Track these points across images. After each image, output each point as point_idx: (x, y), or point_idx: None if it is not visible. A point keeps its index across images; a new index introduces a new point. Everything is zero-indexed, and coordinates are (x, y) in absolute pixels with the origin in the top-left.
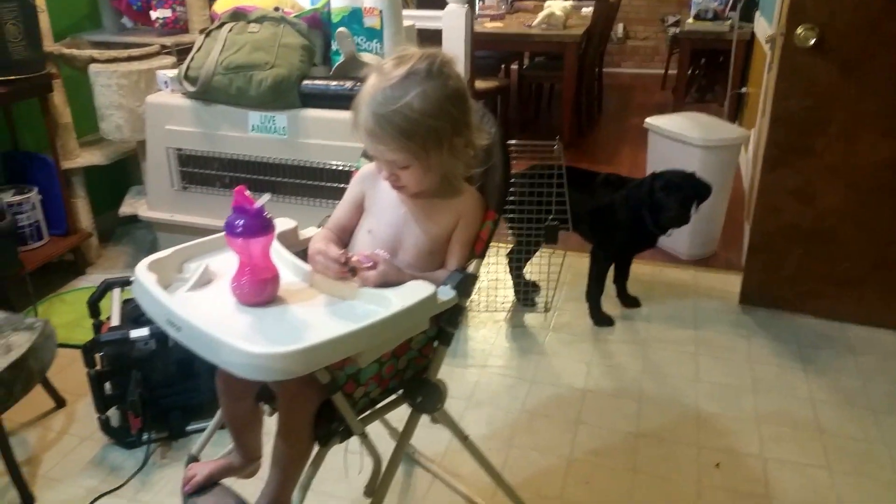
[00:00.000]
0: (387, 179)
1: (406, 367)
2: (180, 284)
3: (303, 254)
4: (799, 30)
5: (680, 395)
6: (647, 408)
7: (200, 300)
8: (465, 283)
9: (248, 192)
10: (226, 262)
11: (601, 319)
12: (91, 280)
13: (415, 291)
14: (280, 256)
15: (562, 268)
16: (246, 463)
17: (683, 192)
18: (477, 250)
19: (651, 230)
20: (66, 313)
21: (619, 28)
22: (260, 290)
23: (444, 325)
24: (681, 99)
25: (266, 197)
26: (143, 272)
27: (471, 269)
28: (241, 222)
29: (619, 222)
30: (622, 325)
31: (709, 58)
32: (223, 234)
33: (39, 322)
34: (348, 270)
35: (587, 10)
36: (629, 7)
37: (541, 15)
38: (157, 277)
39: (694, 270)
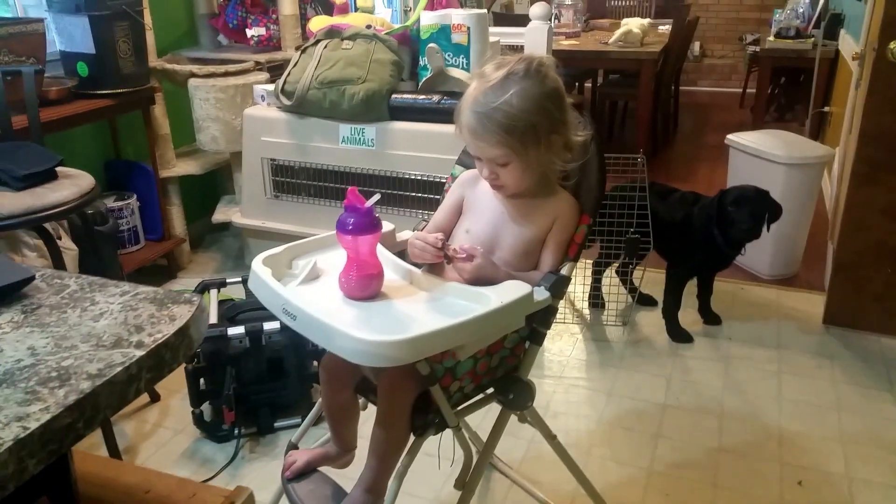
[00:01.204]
0: (487, 179)
1: (498, 364)
2: (291, 279)
3: (400, 255)
4: (892, 44)
5: (761, 412)
6: (728, 424)
7: (311, 293)
8: (559, 285)
9: (359, 193)
10: (332, 260)
11: (679, 335)
12: (183, 284)
13: (512, 290)
14: (383, 255)
15: (641, 282)
16: (342, 453)
17: (754, 205)
18: (571, 253)
19: (722, 248)
20: None
21: (696, 46)
22: (366, 284)
23: (536, 324)
24: (760, 118)
25: (376, 197)
26: (260, 266)
27: (564, 271)
28: (353, 220)
29: (692, 240)
30: (703, 342)
31: (788, 76)
32: (330, 233)
33: (196, 297)
34: (444, 256)
35: (664, 29)
36: (706, 25)
37: (618, 32)
38: (271, 270)
39: (776, 290)
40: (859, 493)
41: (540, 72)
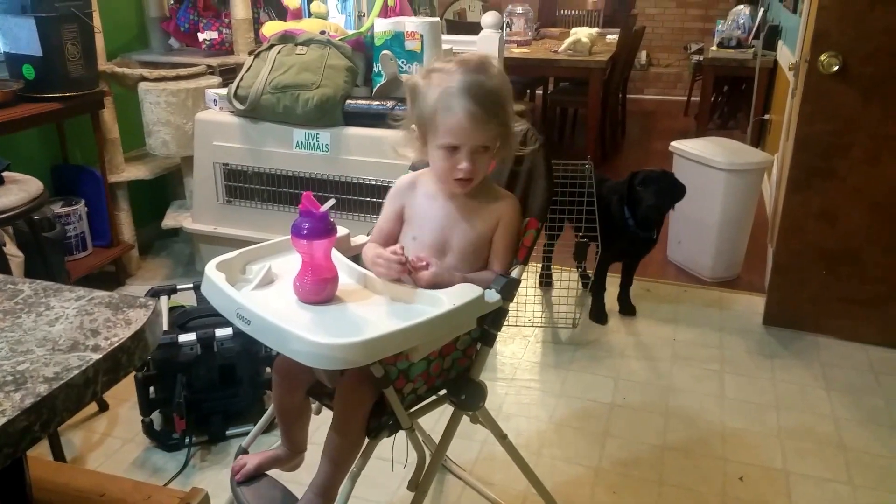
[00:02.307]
0: (463, 171)
1: (451, 366)
2: (245, 284)
3: (354, 259)
4: (823, 57)
5: (705, 410)
6: (673, 422)
7: (266, 297)
8: (509, 287)
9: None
10: (286, 264)
11: (596, 315)
12: (131, 291)
13: (464, 293)
14: (338, 259)
15: (590, 285)
16: (292, 455)
17: (659, 184)
18: (520, 257)
19: (633, 228)
20: None
21: (643, 55)
22: (321, 288)
23: (487, 326)
24: (704, 125)
25: (331, 202)
26: (213, 271)
27: (514, 273)
28: (307, 225)
29: (610, 223)
30: (648, 343)
31: (731, 85)
32: (285, 237)
33: (151, 301)
34: (407, 268)
35: (612, 38)
36: (653, 35)
37: (567, 41)
38: (224, 276)
39: (718, 292)
40: (796, 486)
41: (490, 62)
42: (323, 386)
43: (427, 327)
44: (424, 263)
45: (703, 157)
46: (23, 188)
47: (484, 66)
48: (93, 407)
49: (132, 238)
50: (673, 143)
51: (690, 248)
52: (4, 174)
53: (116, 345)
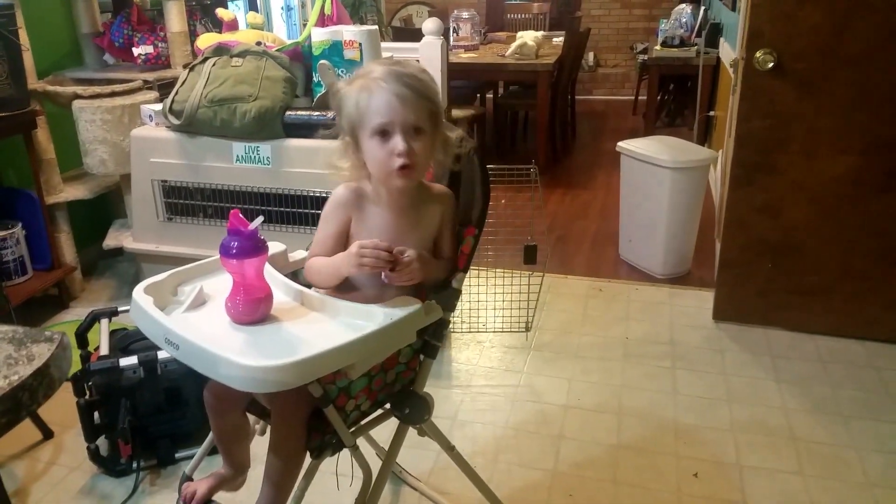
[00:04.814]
0: (401, 155)
1: (394, 380)
2: (176, 306)
3: (292, 276)
4: (758, 54)
5: (658, 408)
6: (626, 421)
7: (196, 320)
8: (450, 298)
9: (241, 216)
10: (219, 284)
11: None
12: (75, 314)
13: (401, 306)
14: (272, 277)
15: (541, 288)
16: (235, 474)
17: None
18: (460, 265)
19: None
20: None
21: (591, 56)
22: (254, 308)
23: (429, 338)
24: (651, 123)
25: (260, 220)
26: (141, 295)
27: (454, 283)
28: (236, 244)
29: None
30: (601, 343)
31: (677, 83)
32: (216, 257)
33: (57, 334)
34: (393, 261)
35: (558, 41)
36: (599, 36)
37: (513, 45)
38: (154, 300)
39: (669, 288)
40: (749, 479)
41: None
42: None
43: (363, 344)
44: (407, 253)
45: (648, 155)
46: None
47: (403, 62)
48: (36, 435)
49: (74, 260)
50: (619, 144)
51: (641, 246)
52: None
53: (16, 384)
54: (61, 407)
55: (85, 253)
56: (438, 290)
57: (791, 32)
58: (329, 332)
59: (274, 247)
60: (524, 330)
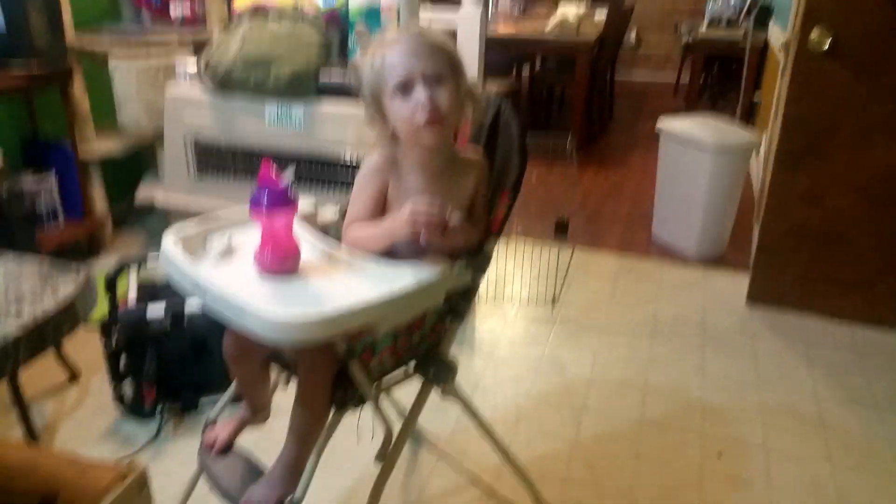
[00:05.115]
0: (423, 108)
1: (420, 342)
2: (205, 255)
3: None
4: (813, 34)
5: (685, 386)
6: (651, 397)
7: (225, 270)
8: (481, 262)
9: (272, 166)
10: (249, 236)
11: None
12: (104, 264)
13: (432, 268)
14: (301, 232)
15: (570, 262)
16: (257, 415)
17: None
18: (493, 229)
19: None
20: None
21: (632, 35)
22: (282, 260)
23: (457, 302)
24: (693, 106)
25: (291, 171)
26: (171, 242)
27: (486, 248)
28: (267, 196)
29: None
30: (629, 320)
31: (721, 65)
32: (247, 208)
33: (83, 271)
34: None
35: (600, 18)
36: (642, 15)
37: (553, 20)
38: (183, 247)
39: (702, 270)
40: (775, 463)
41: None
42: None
43: (390, 301)
44: (455, 215)
45: (690, 136)
46: None
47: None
48: (63, 376)
49: (105, 212)
50: (660, 123)
51: (675, 227)
52: None
53: (41, 317)
54: (89, 354)
55: (117, 207)
56: (469, 254)
57: (851, 12)
58: (356, 288)
59: (304, 204)
60: (550, 302)
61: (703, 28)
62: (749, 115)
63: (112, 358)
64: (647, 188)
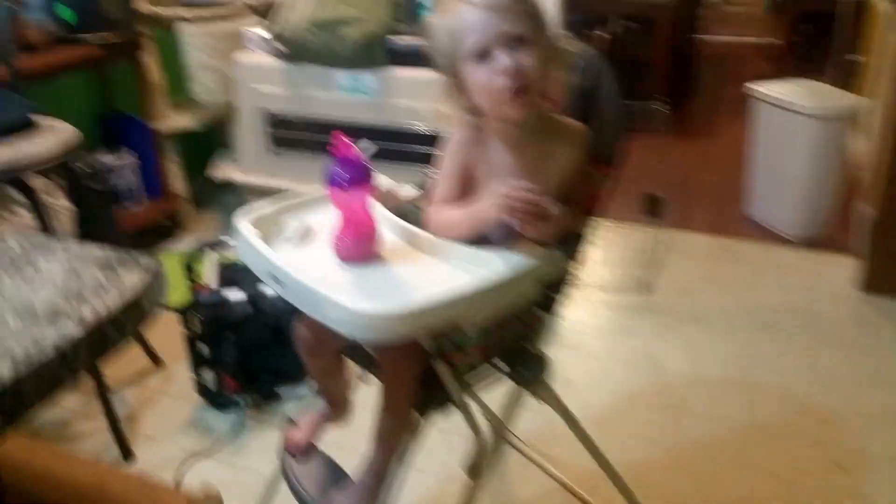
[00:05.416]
0: (507, 73)
1: (510, 337)
2: (281, 240)
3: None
4: None
5: (796, 386)
6: (759, 398)
7: (303, 256)
8: (577, 247)
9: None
10: (326, 219)
11: None
12: (184, 244)
13: (524, 255)
14: (380, 213)
15: (663, 245)
16: (337, 411)
17: None
18: (589, 208)
19: None
20: None
21: None
22: (362, 246)
23: (551, 292)
24: (783, 68)
25: (365, 144)
26: (246, 227)
27: (582, 230)
28: (343, 172)
29: None
30: (729, 309)
31: (811, 23)
32: (324, 189)
33: (152, 262)
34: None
35: None
36: None
37: None
38: (257, 231)
39: (805, 252)
40: None
41: None
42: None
43: (482, 293)
44: (552, 204)
45: (786, 101)
46: (56, 135)
47: None
48: (147, 361)
49: (183, 190)
50: (751, 86)
51: (771, 202)
52: (39, 121)
53: (104, 316)
54: (170, 338)
55: (194, 183)
56: (564, 238)
57: None
58: (443, 278)
59: (381, 181)
60: (643, 291)
61: None
62: (846, 78)
63: (192, 345)
64: (736, 159)
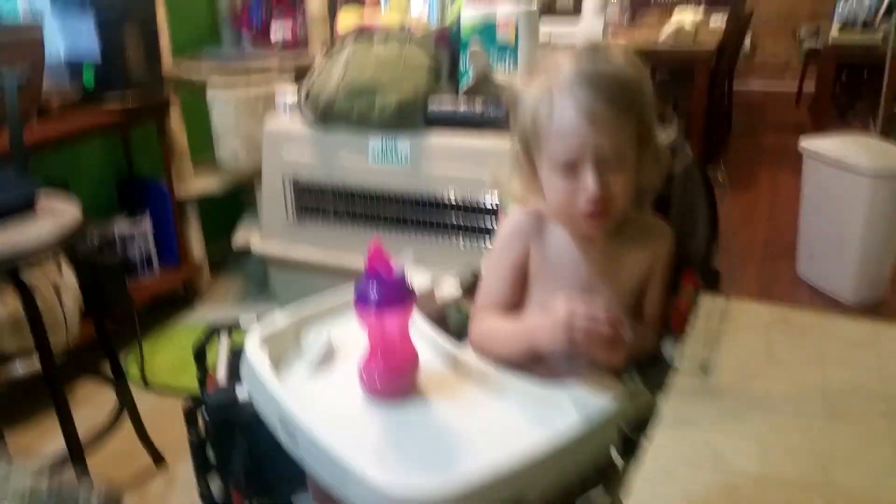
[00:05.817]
0: (590, 199)
1: (579, 490)
2: (297, 361)
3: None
4: None
5: (881, 486)
6: (836, 502)
7: (321, 391)
8: (661, 375)
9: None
10: (350, 331)
11: None
12: (200, 315)
13: (597, 392)
14: (418, 328)
15: (723, 319)
16: None
17: None
18: (675, 327)
19: None
20: (171, 353)
21: (747, 42)
22: (395, 380)
23: (631, 434)
24: (821, 118)
25: (409, 255)
26: (256, 350)
27: (667, 354)
28: (377, 290)
29: None
30: (795, 393)
31: (850, 72)
32: (345, 297)
33: (101, 489)
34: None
35: (715, 25)
36: (757, 20)
37: (668, 29)
38: (271, 352)
39: (871, 322)
40: None
41: (615, 48)
42: None
43: (557, 457)
44: (628, 330)
45: (841, 159)
46: (56, 217)
47: (601, 49)
48: (147, 460)
49: (202, 257)
50: (803, 143)
51: (826, 264)
52: (42, 198)
53: None
54: (175, 427)
55: (213, 249)
56: (643, 361)
57: None
58: (501, 428)
59: (419, 279)
60: (702, 373)
61: (835, 32)
62: (888, 130)
63: (197, 450)
64: (781, 214)
